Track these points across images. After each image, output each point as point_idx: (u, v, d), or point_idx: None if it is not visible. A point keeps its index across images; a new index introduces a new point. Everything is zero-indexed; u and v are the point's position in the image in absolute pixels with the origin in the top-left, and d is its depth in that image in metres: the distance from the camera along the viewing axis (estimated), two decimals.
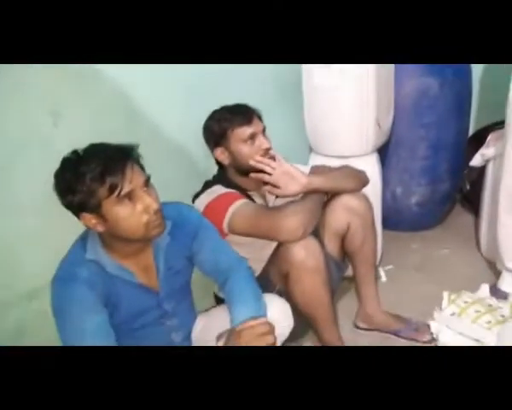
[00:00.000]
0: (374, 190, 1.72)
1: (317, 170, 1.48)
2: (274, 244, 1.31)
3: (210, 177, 1.44)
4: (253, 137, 1.36)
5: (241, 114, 1.36)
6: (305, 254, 1.21)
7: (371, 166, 1.71)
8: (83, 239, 1.02)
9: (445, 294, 1.65)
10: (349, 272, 1.57)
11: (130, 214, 0.94)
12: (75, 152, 0.94)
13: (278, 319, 1.11)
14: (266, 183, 1.35)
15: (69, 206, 0.94)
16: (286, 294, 1.27)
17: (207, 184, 1.39)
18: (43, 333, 1.03)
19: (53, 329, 0.95)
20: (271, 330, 0.99)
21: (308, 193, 1.31)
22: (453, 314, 1.54)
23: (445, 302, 1.62)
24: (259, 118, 1.41)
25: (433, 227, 2.19)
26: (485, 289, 1.66)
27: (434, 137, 1.94)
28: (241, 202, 1.29)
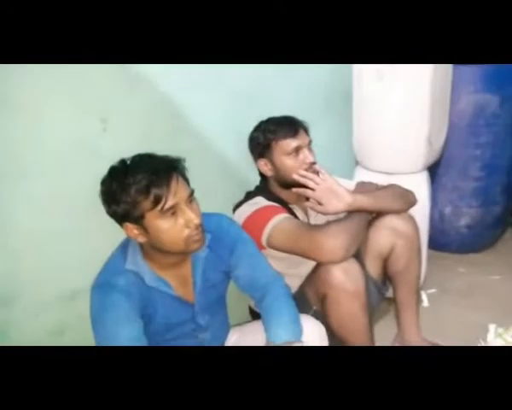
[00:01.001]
0: (421, 211, 1.66)
1: (362, 187, 1.43)
2: (312, 262, 1.27)
3: (252, 187, 1.43)
4: (297, 150, 1.33)
5: (287, 126, 1.33)
6: (344, 278, 1.17)
7: (420, 186, 1.65)
8: (123, 247, 1.03)
9: (492, 326, 1.56)
10: (389, 292, 1.51)
11: (171, 228, 0.94)
12: (123, 161, 0.95)
13: (313, 341, 1.09)
14: (308, 198, 1.32)
15: (113, 215, 0.95)
16: (322, 316, 1.23)
17: (249, 195, 1.38)
18: (82, 335, 1.04)
19: (91, 331, 0.97)
20: None
21: (352, 212, 1.27)
22: None
23: (490, 335, 1.54)
24: (306, 131, 1.38)
25: (482, 251, 2.08)
26: None
27: (489, 157, 1.85)
28: (282, 216, 1.26)
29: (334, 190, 1.26)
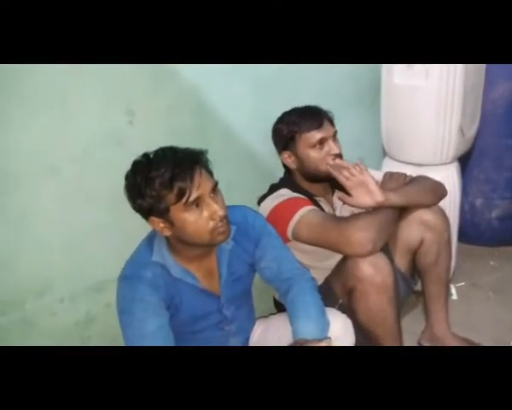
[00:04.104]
0: (452, 203, 1.61)
1: (391, 177, 1.39)
2: (339, 255, 1.25)
3: (277, 180, 1.41)
4: (322, 142, 1.30)
5: (311, 118, 1.30)
6: (372, 272, 1.14)
7: (450, 177, 1.60)
8: (150, 240, 1.04)
9: None
10: (418, 286, 1.48)
11: (196, 220, 0.94)
12: (146, 155, 0.95)
13: (340, 335, 1.08)
14: (335, 188, 1.28)
15: (139, 210, 0.95)
16: (349, 309, 1.21)
17: (273, 187, 1.36)
18: (110, 327, 1.06)
19: (118, 323, 0.98)
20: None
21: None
22: None
23: None
24: (331, 121, 1.35)
25: None
26: None
27: None
28: (309, 208, 1.24)
29: (367, 186, 1.21)
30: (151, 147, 0.97)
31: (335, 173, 1.26)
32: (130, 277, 0.99)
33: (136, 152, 0.97)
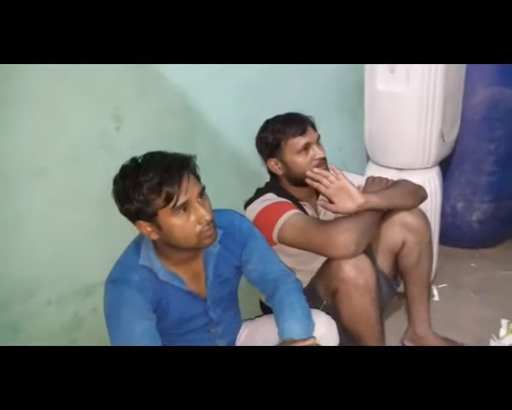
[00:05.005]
0: (433, 206, 1.66)
1: (373, 182, 1.43)
2: (323, 258, 1.28)
3: (262, 184, 1.43)
4: (306, 147, 1.33)
5: (295, 124, 1.33)
6: (355, 273, 1.17)
7: (432, 181, 1.64)
8: (137, 243, 1.05)
9: (504, 322, 1.56)
10: (400, 287, 1.51)
11: (183, 224, 0.95)
12: (134, 160, 0.96)
13: (324, 335, 1.11)
14: (319, 194, 1.31)
15: (126, 213, 0.96)
16: (333, 310, 1.24)
17: (260, 192, 1.38)
18: (97, 330, 1.07)
19: (105, 326, 0.99)
20: None
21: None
22: None
23: (503, 331, 1.53)
24: (313, 127, 1.38)
25: (494, 246, 2.07)
26: None
27: (503, 151, 1.83)
28: (293, 212, 1.27)
29: (347, 190, 1.25)
30: (139, 151, 0.98)
31: (315, 185, 1.29)
32: (117, 280, 1.00)
33: (124, 156, 0.98)
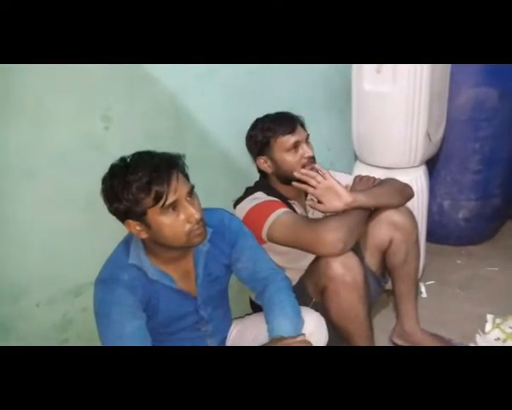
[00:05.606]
0: (420, 204, 1.68)
1: (360, 180, 1.45)
2: (312, 256, 1.29)
3: (252, 183, 1.45)
4: (296, 145, 1.35)
5: (285, 123, 1.35)
6: (343, 271, 1.19)
7: (419, 180, 1.66)
8: (126, 243, 1.05)
9: (490, 317, 1.58)
10: (389, 285, 1.53)
11: (173, 223, 0.96)
12: (123, 159, 0.97)
13: (313, 332, 1.12)
14: (307, 193, 1.33)
15: (115, 212, 0.96)
16: (322, 307, 1.25)
17: (249, 191, 1.40)
18: (87, 329, 1.07)
19: (95, 326, 0.99)
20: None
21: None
22: (497, 340, 1.48)
23: (488, 326, 1.56)
24: (302, 126, 1.40)
25: (481, 243, 2.10)
26: None
27: (488, 150, 1.86)
28: (283, 210, 1.28)
29: (334, 190, 1.26)
30: (128, 151, 0.99)
31: (303, 186, 1.31)
32: (107, 280, 1.00)
33: (113, 156, 0.98)
